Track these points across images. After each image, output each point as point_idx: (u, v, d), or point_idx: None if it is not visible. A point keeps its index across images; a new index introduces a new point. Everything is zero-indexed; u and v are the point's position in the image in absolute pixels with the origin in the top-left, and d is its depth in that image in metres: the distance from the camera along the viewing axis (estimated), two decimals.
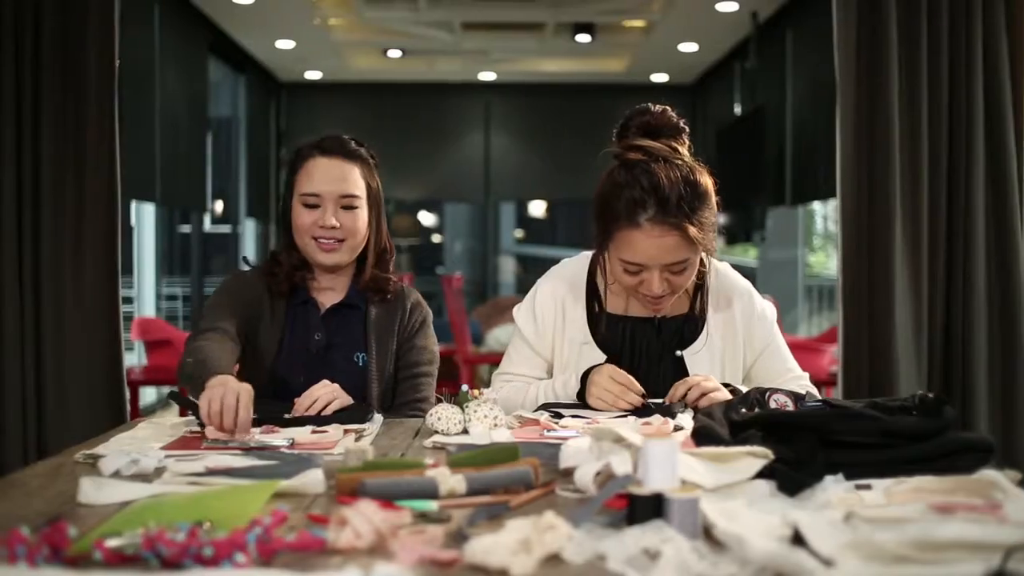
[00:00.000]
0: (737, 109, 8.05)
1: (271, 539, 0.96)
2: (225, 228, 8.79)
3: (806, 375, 1.99)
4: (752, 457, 1.22)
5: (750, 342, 1.96)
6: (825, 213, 9.05)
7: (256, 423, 1.60)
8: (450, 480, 1.19)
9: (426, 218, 12.16)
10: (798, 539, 0.98)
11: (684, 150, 1.83)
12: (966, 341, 3.61)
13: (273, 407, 1.76)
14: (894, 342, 3.54)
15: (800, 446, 1.27)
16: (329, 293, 2.04)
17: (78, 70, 3.57)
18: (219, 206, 9.19)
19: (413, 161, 9.48)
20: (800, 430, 1.29)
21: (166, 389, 6.48)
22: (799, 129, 6.73)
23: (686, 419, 1.67)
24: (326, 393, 1.75)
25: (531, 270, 14.14)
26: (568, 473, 1.32)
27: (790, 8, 6.63)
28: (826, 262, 9.47)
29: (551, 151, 9.66)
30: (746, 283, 2.00)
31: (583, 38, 7.57)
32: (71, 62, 3.57)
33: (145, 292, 7.00)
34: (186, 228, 9.22)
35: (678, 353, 1.92)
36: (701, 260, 1.89)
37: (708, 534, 1.02)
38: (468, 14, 7.10)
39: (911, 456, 1.26)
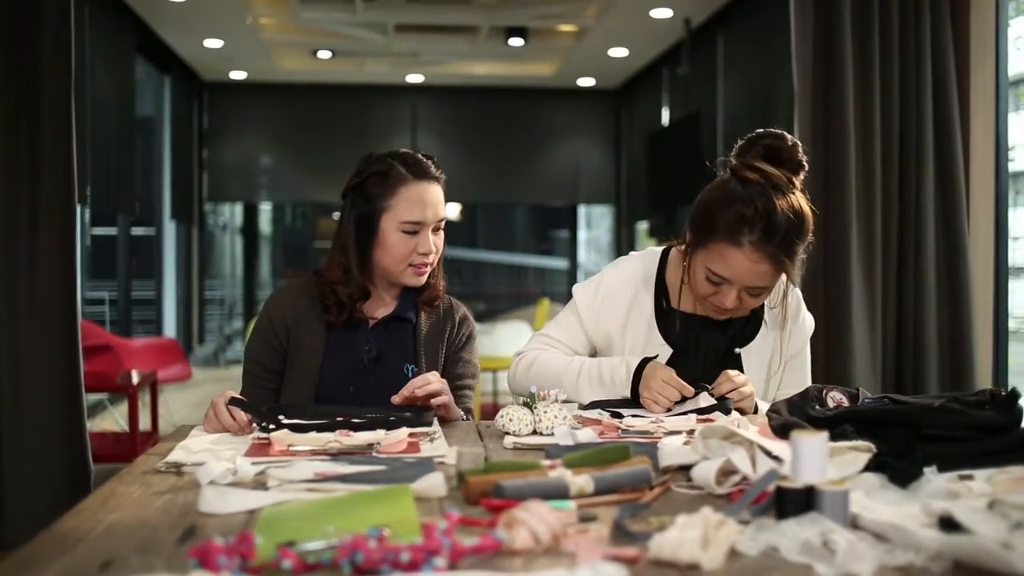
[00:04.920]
0: (665, 114, 8.23)
1: (455, 543, 0.97)
2: (145, 230, 8.55)
3: None
4: (856, 451, 1.28)
5: (788, 343, 2.04)
6: None
7: (328, 427, 1.59)
8: (577, 480, 1.21)
9: None
10: (947, 526, 1.04)
11: (798, 184, 1.84)
12: (917, 339, 3.78)
13: (329, 410, 1.75)
14: (851, 341, 3.69)
15: (892, 440, 1.34)
16: (380, 306, 2.03)
17: (32, 70, 3.45)
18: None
19: (338, 163, 9.36)
20: (890, 425, 1.36)
21: (95, 397, 6.28)
22: (731, 134, 6.91)
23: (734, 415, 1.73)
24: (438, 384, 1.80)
25: (451, 271, 14.15)
26: (668, 471, 1.36)
27: (721, 15, 6.81)
28: None
29: (477, 153, 9.70)
30: (797, 292, 2.08)
31: (516, 42, 7.63)
32: (24, 63, 3.44)
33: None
34: (101, 230, 8.93)
35: (736, 351, 1.99)
36: None
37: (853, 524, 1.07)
38: (404, 16, 7.08)
39: (995, 448, 1.33)
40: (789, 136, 1.85)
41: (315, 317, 1.98)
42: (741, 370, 1.95)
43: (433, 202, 1.94)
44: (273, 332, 1.99)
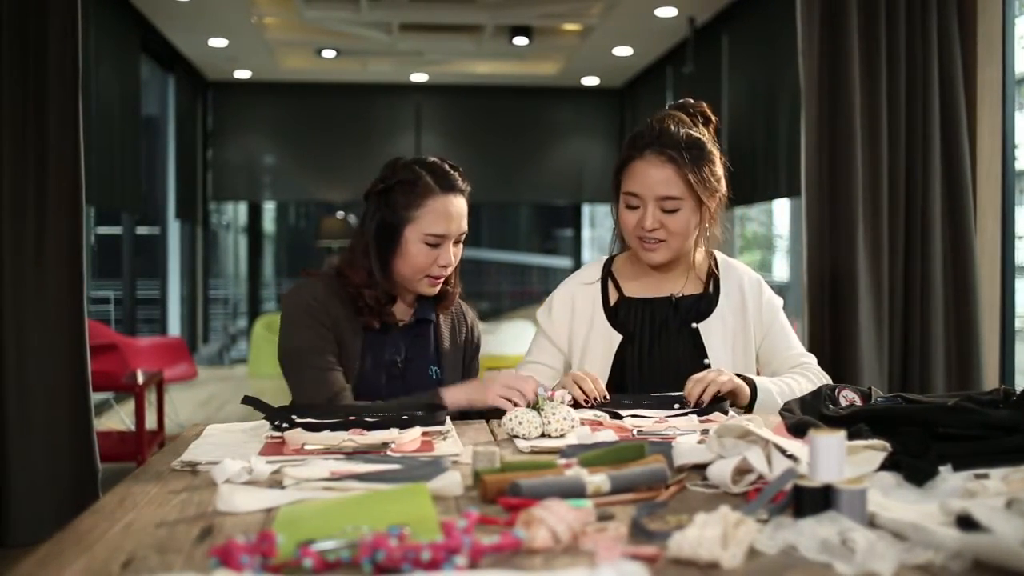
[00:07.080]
0: None
1: (475, 541, 0.97)
2: (149, 229, 8.57)
3: (813, 358, 2.12)
4: (872, 450, 1.28)
5: (759, 323, 2.12)
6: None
7: (342, 426, 1.59)
8: (594, 479, 1.21)
9: (356, 220, 12.02)
10: (966, 525, 1.04)
11: (706, 132, 2.03)
12: (924, 338, 3.78)
13: (341, 409, 1.76)
14: (858, 340, 3.69)
15: (906, 439, 1.34)
16: (404, 309, 2.06)
17: (39, 71, 3.45)
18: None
19: (342, 162, 9.39)
20: (905, 424, 1.36)
21: (100, 396, 6.29)
22: (735, 133, 6.91)
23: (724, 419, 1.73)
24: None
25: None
26: (683, 469, 1.36)
27: (726, 14, 6.80)
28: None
29: (480, 152, 9.68)
30: (756, 275, 2.18)
31: (520, 41, 7.62)
32: (31, 64, 3.44)
33: None
34: (105, 229, 8.94)
35: (694, 325, 2.07)
36: (710, 251, 2.12)
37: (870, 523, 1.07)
38: (408, 15, 7.07)
39: (1010, 446, 1.33)
40: (691, 100, 2.10)
41: (352, 317, 1.98)
42: (702, 345, 2.04)
43: (458, 215, 1.95)
44: (324, 320, 1.93)
